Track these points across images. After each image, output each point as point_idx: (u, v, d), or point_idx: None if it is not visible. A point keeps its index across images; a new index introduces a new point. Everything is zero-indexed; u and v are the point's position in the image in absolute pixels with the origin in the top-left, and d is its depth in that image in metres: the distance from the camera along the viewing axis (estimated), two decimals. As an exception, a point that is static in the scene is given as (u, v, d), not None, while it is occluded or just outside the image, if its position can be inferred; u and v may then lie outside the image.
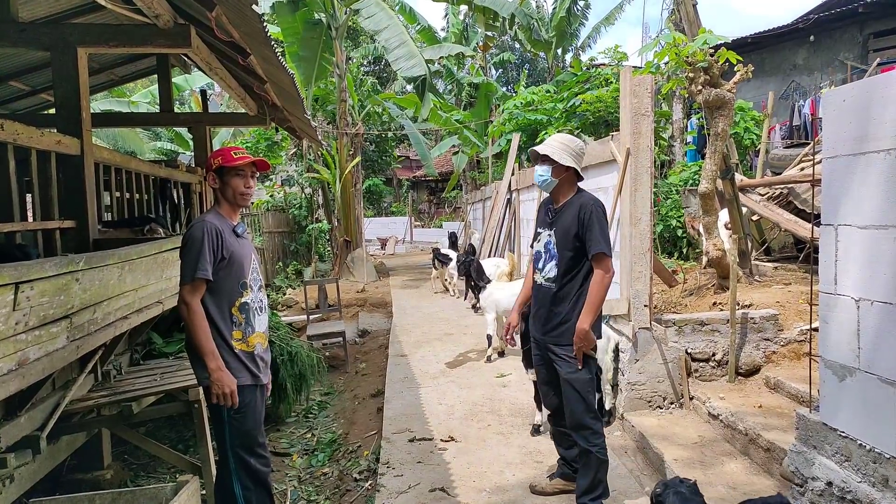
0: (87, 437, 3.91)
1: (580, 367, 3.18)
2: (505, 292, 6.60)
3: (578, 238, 3.14)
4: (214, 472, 3.60)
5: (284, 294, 12.07)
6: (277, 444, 5.16)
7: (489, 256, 11.24)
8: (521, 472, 3.93)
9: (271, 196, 17.54)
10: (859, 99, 2.72)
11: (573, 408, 3.20)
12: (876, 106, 2.61)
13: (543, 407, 3.84)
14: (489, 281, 6.96)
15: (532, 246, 3.47)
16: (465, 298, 9.85)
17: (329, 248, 16.28)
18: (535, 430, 4.52)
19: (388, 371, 6.44)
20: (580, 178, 3.31)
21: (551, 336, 3.26)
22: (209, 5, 3.75)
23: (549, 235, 3.28)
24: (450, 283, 11.90)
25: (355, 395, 6.42)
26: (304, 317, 8.52)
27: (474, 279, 6.90)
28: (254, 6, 3.28)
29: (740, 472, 3.66)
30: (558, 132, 10.26)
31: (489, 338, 6.70)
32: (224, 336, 2.79)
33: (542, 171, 3.23)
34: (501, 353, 6.82)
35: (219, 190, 2.90)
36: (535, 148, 3.26)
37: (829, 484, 2.83)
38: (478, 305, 8.54)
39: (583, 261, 3.18)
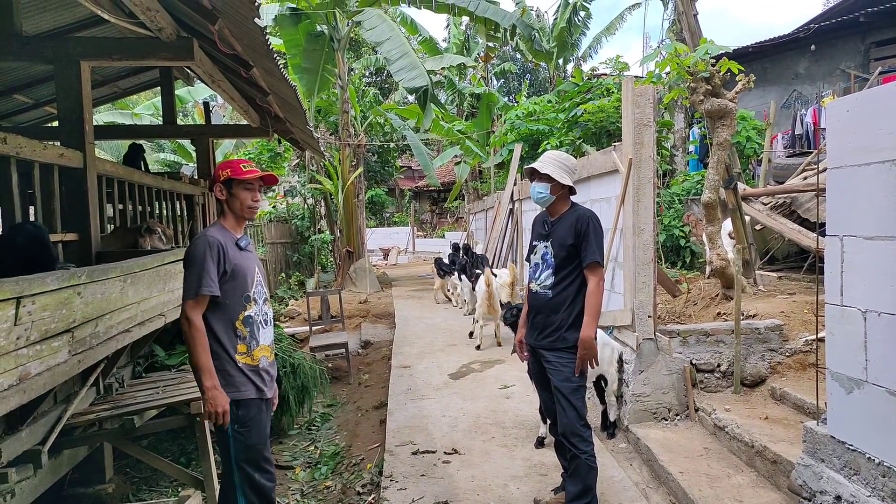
0: (89, 451, 3.89)
1: (576, 375, 3.25)
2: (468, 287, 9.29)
3: (574, 247, 3.24)
4: (217, 486, 3.59)
5: (287, 305, 12.06)
6: (280, 457, 5.13)
7: (492, 266, 11.22)
8: (525, 485, 3.90)
9: (274, 207, 17.58)
10: (863, 109, 2.71)
11: (564, 415, 3.27)
12: (880, 116, 2.61)
13: (543, 415, 3.86)
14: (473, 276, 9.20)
15: (529, 259, 3.55)
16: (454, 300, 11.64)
17: (332, 259, 16.28)
18: (540, 443, 4.48)
19: (392, 382, 6.41)
20: (573, 193, 3.44)
21: (545, 342, 3.34)
22: (212, 19, 3.76)
23: (546, 247, 3.37)
24: (452, 293, 11.88)
25: (358, 407, 6.39)
26: (307, 328, 8.50)
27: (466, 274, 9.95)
28: (256, 20, 3.29)
29: (747, 485, 3.62)
30: (559, 142, 10.31)
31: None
32: (228, 350, 2.77)
33: (540, 189, 3.34)
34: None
35: (225, 202, 2.89)
36: (534, 166, 3.34)
37: (838, 498, 2.79)
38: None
39: (578, 270, 3.28)
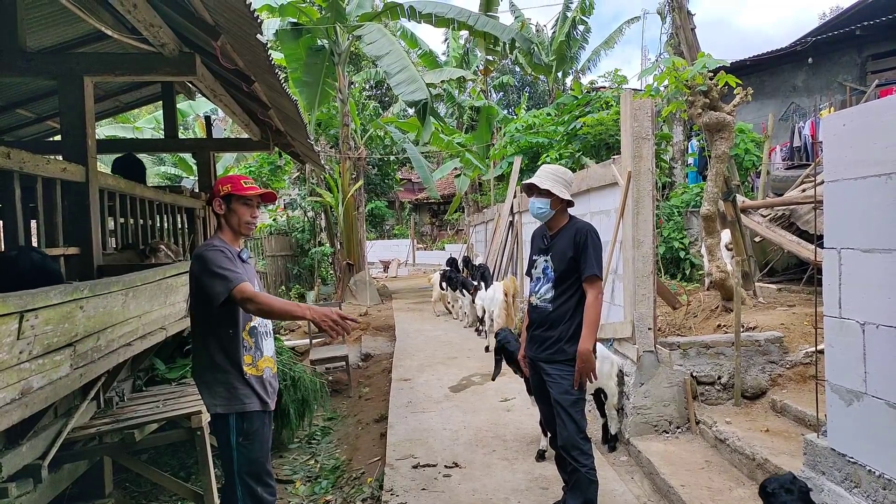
0: (89, 466, 3.88)
1: (575, 388, 3.25)
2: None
3: (574, 260, 3.27)
4: (217, 500, 3.58)
5: (287, 318, 12.02)
6: (280, 471, 5.11)
7: (493, 279, 11.23)
8: (526, 499, 3.89)
9: (274, 220, 17.61)
10: (859, 123, 2.74)
11: (564, 428, 3.27)
12: (876, 130, 2.63)
13: (543, 427, 3.83)
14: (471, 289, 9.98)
15: (529, 274, 3.56)
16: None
17: (332, 272, 16.30)
18: (541, 456, 4.47)
19: (392, 395, 6.40)
20: (571, 205, 3.46)
21: (545, 355, 3.35)
22: (214, 35, 3.81)
23: (546, 261, 3.39)
24: (453, 305, 11.88)
25: (359, 421, 6.37)
26: (308, 341, 8.50)
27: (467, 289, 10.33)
28: (258, 36, 3.33)
29: (748, 498, 3.61)
30: (559, 155, 10.35)
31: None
32: (236, 360, 2.77)
33: (540, 204, 3.35)
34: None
35: (224, 216, 2.91)
36: (534, 181, 3.34)
37: (839, 510, 2.79)
38: (480, 328, 9.51)
39: (578, 283, 3.30)
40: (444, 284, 12.05)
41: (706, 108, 5.94)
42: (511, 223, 11.36)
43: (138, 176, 6.23)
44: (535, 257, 3.52)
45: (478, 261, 13.33)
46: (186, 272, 4.36)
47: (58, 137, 7.10)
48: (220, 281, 2.64)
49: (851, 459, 2.77)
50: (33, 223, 4.28)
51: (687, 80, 5.90)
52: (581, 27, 19.53)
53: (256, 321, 2.90)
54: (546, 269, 3.39)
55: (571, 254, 3.26)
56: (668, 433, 4.69)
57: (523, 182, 3.42)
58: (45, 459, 3.07)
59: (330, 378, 7.67)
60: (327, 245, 16.11)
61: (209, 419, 3.59)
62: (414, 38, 17.12)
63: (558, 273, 3.32)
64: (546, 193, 3.31)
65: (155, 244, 4.98)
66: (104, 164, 15.00)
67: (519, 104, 26.17)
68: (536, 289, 3.44)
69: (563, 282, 3.31)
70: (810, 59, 13.00)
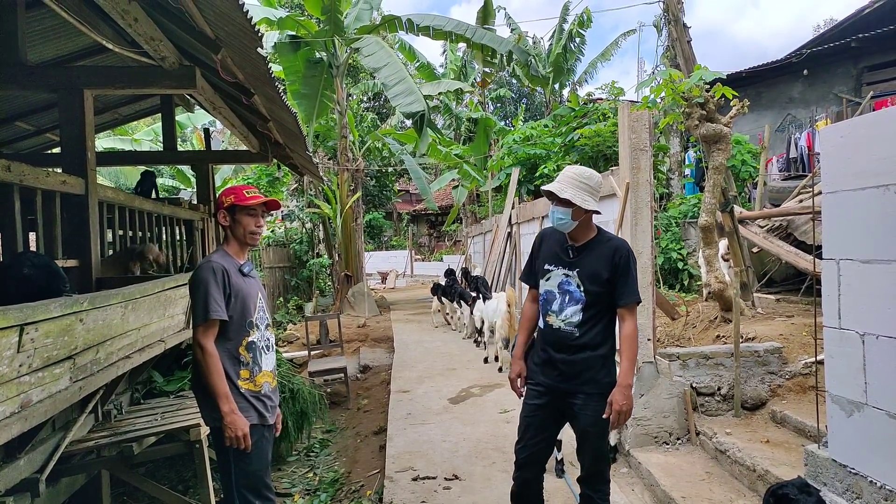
0: (87, 479, 3.86)
1: (611, 430, 2.95)
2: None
3: (610, 283, 2.90)
4: (215, 514, 3.56)
5: (285, 330, 12.02)
6: (279, 484, 5.07)
7: (492, 289, 11.22)
8: (526, 511, 3.86)
9: (272, 231, 17.61)
10: (856, 135, 2.76)
11: (591, 455, 3.02)
12: (873, 142, 2.65)
13: (518, 459, 3.28)
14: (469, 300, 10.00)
15: (532, 281, 3.16)
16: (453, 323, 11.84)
17: (330, 283, 16.28)
18: (541, 468, 4.43)
19: (391, 407, 6.38)
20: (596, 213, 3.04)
21: (572, 384, 2.97)
22: (215, 48, 3.82)
23: (568, 276, 2.97)
24: (452, 317, 11.87)
25: (357, 433, 6.35)
26: (306, 353, 8.48)
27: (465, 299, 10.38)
28: (258, 49, 3.35)
29: (750, 509, 3.60)
30: (557, 166, 10.37)
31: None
32: (230, 376, 2.77)
33: (561, 214, 2.93)
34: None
35: (229, 228, 2.91)
36: (553, 190, 2.92)
37: (841, 522, 2.78)
38: (479, 339, 9.55)
39: (609, 306, 2.96)
40: (441, 297, 12.09)
41: (703, 120, 5.97)
42: (509, 234, 11.38)
43: (154, 187, 7.16)
44: (549, 267, 3.04)
45: (476, 272, 13.34)
46: (185, 284, 4.37)
47: (57, 150, 7.10)
48: (198, 309, 2.74)
49: (853, 470, 2.77)
50: (32, 236, 4.28)
51: (684, 92, 5.94)
52: (577, 39, 19.65)
53: (255, 336, 2.89)
54: (569, 286, 2.97)
55: (607, 276, 2.89)
56: (668, 444, 4.67)
57: (543, 188, 3.00)
58: (43, 473, 3.05)
59: (328, 390, 7.64)
60: (325, 256, 16.11)
61: (208, 432, 3.58)
62: (412, 50, 17.23)
63: (590, 296, 2.91)
64: (567, 203, 2.89)
65: (145, 250, 4.96)
66: (102, 175, 15.01)
67: (516, 116, 26.32)
68: (558, 309, 2.98)
69: (594, 305, 2.92)
70: (806, 71, 13.07)
